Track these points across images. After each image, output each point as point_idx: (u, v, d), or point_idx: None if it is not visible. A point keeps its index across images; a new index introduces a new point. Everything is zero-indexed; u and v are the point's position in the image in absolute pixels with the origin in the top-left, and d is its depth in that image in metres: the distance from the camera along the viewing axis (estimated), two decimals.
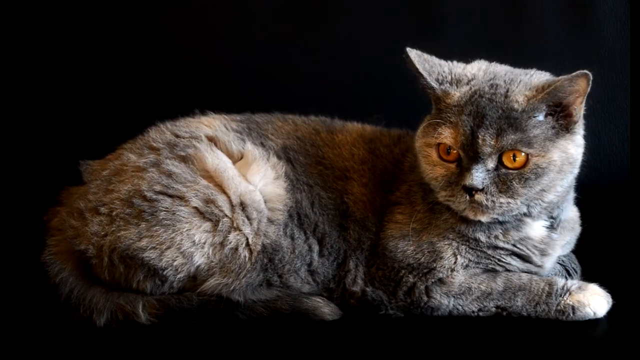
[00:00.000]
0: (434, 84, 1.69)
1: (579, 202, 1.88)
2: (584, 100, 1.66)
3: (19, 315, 1.81)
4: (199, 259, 1.71)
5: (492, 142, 1.61)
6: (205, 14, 2.55)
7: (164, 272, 1.72)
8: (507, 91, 1.65)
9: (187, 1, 2.57)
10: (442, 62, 1.75)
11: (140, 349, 1.65)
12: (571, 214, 1.84)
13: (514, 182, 1.63)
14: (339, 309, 1.77)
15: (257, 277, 1.76)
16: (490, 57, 1.82)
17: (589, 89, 1.64)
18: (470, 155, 1.62)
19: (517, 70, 1.73)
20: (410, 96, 1.83)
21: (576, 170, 1.71)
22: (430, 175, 1.70)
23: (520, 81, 1.67)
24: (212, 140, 1.83)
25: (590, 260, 1.94)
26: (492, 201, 1.63)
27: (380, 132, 1.92)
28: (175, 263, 1.71)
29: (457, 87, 1.69)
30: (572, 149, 1.67)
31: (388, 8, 2.52)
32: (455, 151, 1.65)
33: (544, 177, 1.63)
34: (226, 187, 1.74)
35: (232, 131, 1.87)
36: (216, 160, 1.77)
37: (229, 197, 1.73)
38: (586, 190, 1.89)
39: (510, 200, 1.64)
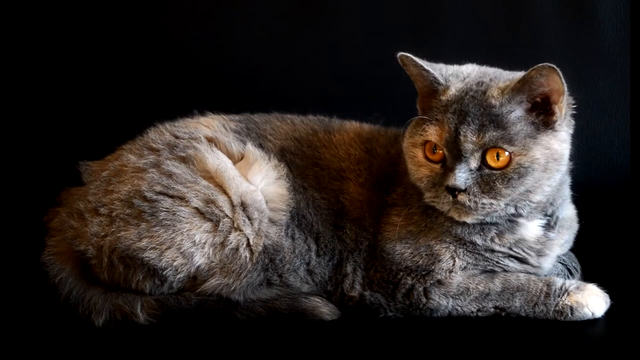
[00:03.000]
0: (440, 78, 1.69)
1: (578, 202, 1.88)
2: (565, 98, 1.65)
3: (19, 315, 1.81)
4: (199, 259, 1.71)
5: (474, 139, 1.61)
6: (205, 14, 2.56)
7: (164, 273, 1.72)
8: (487, 88, 1.66)
9: (187, 1, 2.57)
10: (435, 63, 1.76)
11: (139, 349, 1.66)
12: (569, 212, 1.84)
13: (497, 183, 1.63)
14: (338, 309, 1.77)
15: (258, 277, 1.76)
16: (490, 58, 1.82)
17: (565, 87, 1.63)
18: (454, 153, 1.63)
19: (507, 72, 1.74)
20: (409, 95, 1.83)
21: (564, 168, 1.71)
22: (415, 176, 1.71)
23: (501, 79, 1.69)
24: (211, 141, 1.83)
25: (589, 260, 1.94)
26: (475, 202, 1.63)
27: (377, 132, 1.92)
28: (175, 263, 1.71)
29: (456, 81, 1.69)
30: (555, 145, 1.66)
31: (387, 7, 2.52)
32: (440, 151, 1.66)
33: (527, 176, 1.63)
34: (227, 188, 1.74)
35: (231, 132, 1.87)
36: (217, 160, 1.77)
37: (229, 197, 1.74)
38: (586, 190, 1.88)
39: (493, 201, 1.64)
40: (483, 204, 1.64)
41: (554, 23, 2.46)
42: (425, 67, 1.69)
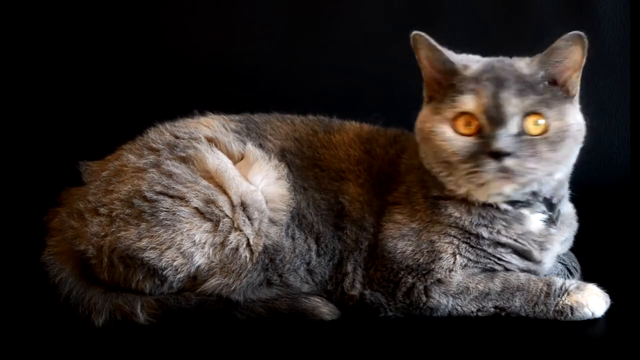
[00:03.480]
0: (453, 58, 1.68)
1: (578, 202, 1.88)
2: (580, 74, 1.67)
3: (19, 315, 1.81)
4: (199, 259, 1.71)
5: (516, 102, 1.60)
6: (205, 14, 2.56)
7: (164, 272, 1.72)
8: (513, 62, 1.68)
9: (187, 2, 2.57)
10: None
11: (139, 349, 1.66)
12: (568, 209, 1.85)
13: (541, 146, 1.61)
14: (338, 309, 1.77)
15: (258, 277, 1.76)
16: (490, 57, 1.82)
17: (584, 61, 1.65)
18: (494, 119, 1.60)
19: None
20: (409, 95, 1.83)
21: (581, 144, 1.72)
22: (448, 150, 1.64)
23: (519, 59, 1.71)
24: (211, 141, 1.83)
25: (589, 260, 1.94)
26: (521, 165, 1.60)
27: (377, 132, 1.91)
28: (175, 263, 1.71)
29: (472, 62, 1.70)
30: (579, 117, 1.69)
31: (387, 7, 2.52)
32: (475, 123, 1.63)
33: (565, 142, 1.63)
34: (227, 188, 1.74)
35: (231, 132, 1.87)
36: (217, 160, 1.77)
37: (229, 197, 1.74)
38: (586, 190, 1.88)
39: (537, 165, 1.62)
40: (528, 168, 1.61)
41: (554, 23, 2.46)
42: (438, 47, 1.67)
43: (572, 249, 1.90)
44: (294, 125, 1.92)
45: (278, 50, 2.55)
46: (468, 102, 1.63)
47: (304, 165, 1.85)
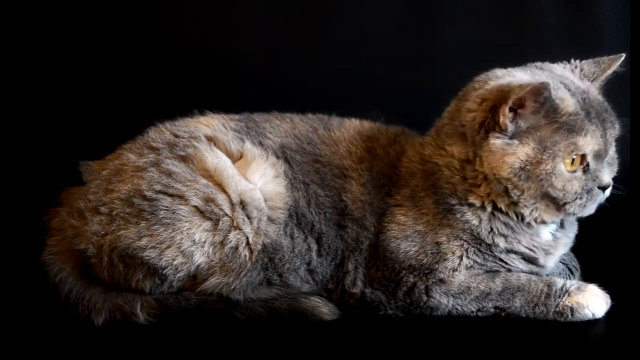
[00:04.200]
0: (556, 95, 1.61)
1: None
2: None
3: (19, 315, 1.81)
4: (199, 258, 1.71)
5: (612, 136, 1.67)
6: (205, 13, 2.56)
7: (164, 271, 1.72)
8: (587, 88, 1.69)
9: (187, 1, 2.58)
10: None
11: (139, 349, 1.66)
12: None
13: (614, 167, 1.72)
14: (338, 309, 1.77)
15: (258, 276, 1.76)
16: (490, 58, 1.82)
17: None
18: (600, 156, 1.66)
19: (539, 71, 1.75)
20: (408, 95, 1.83)
21: None
22: (571, 191, 1.64)
23: (568, 77, 1.71)
24: (211, 140, 1.83)
25: (590, 260, 1.93)
26: (610, 190, 1.71)
27: (378, 130, 1.90)
28: (175, 262, 1.71)
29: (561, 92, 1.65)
30: None
31: (387, 7, 2.52)
32: (578, 160, 1.64)
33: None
34: (226, 186, 1.74)
35: (230, 130, 1.87)
36: (216, 159, 1.77)
37: (228, 195, 1.73)
38: None
39: None
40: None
41: (554, 23, 2.46)
42: (558, 94, 1.62)
43: (572, 249, 1.90)
44: (294, 123, 1.92)
45: (278, 50, 2.55)
46: (588, 144, 1.63)
47: (304, 161, 1.84)
